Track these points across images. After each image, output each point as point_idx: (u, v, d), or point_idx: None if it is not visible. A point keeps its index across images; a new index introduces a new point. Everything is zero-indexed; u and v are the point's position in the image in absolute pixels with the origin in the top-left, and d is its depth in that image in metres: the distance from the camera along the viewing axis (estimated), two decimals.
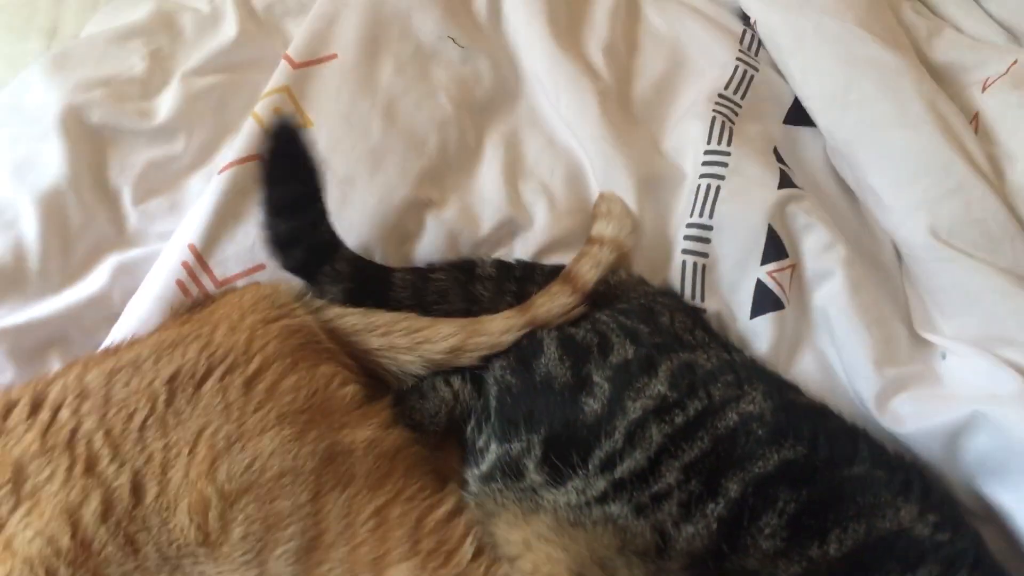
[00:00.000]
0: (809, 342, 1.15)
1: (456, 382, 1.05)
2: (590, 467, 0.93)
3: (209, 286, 1.07)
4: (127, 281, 1.07)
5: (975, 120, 1.23)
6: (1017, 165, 1.16)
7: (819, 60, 1.26)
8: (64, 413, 0.87)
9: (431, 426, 1.03)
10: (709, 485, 0.90)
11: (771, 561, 0.86)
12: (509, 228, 1.19)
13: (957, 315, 1.13)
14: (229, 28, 1.26)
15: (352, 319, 1.04)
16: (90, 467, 0.84)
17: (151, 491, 0.84)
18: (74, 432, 0.86)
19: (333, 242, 1.07)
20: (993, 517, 1.02)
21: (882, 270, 1.21)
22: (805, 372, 1.13)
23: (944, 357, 1.12)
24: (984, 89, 1.23)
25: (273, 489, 0.87)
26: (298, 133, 1.03)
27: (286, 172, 1.05)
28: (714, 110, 1.25)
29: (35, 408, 0.88)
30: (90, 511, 0.82)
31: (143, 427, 0.87)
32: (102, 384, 0.90)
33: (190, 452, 0.87)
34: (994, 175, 1.16)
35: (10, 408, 0.88)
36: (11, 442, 0.85)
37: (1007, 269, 1.11)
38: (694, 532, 0.88)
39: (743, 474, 0.91)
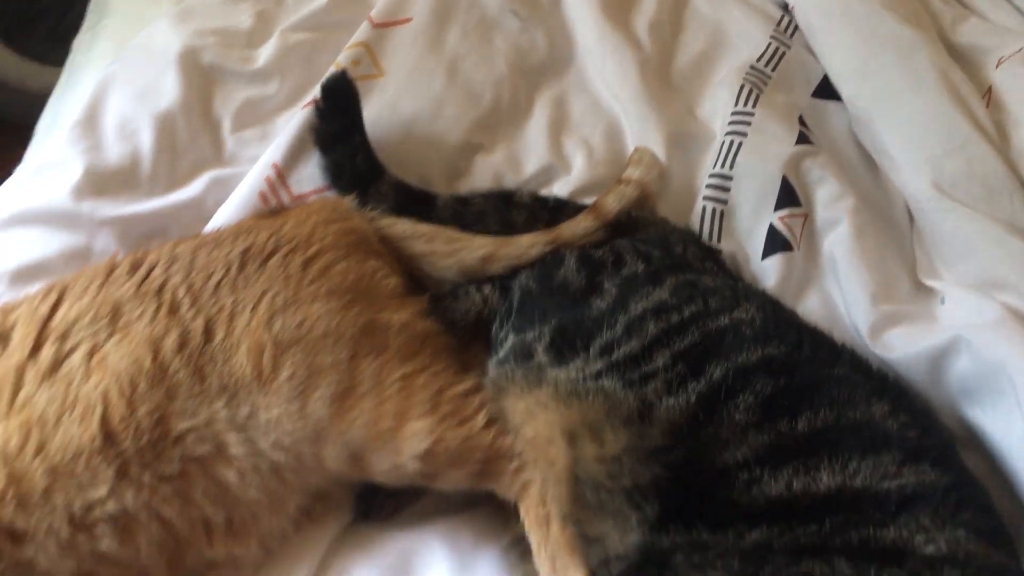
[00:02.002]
0: (817, 284, 1.25)
1: (486, 289, 1.19)
2: (591, 351, 1.05)
3: (285, 199, 1.26)
4: (219, 192, 1.27)
5: (988, 94, 1.32)
6: (1022, 130, 1.25)
7: (845, 36, 1.38)
8: (156, 271, 1.06)
9: (461, 323, 1.17)
10: (693, 369, 1.01)
11: (742, 431, 0.96)
12: (548, 174, 1.34)
13: (957, 263, 1.21)
14: None
15: (401, 227, 1.21)
16: (173, 311, 1.02)
17: (219, 334, 1.02)
18: (163, 285, 1.05)
19: (373, 168, 1.25)
20: (975, 442, 1.09)
21: (893, 227, 1.30)
22: (810, 310, 1.23)
23: (943, 302, 1.20)
24: (998, 66, 1.32)
25: (317, 345, 1.03)
26: (349, 83, 1.23)
27: (335, 113, 1.25)
28: (744, 78, 1.38)
29: (134, 267, 1.07)
30: (169, 343, 1.00)
31: (218, 286, 1.05)
32: (189, 253, 1.09)
33: (253, 308, 1.04)
34: (1000, 139, 1.25)
35: (114, 267, 1.08)
36: (112, 289, 1.04)
37: (1004, 220, 1.19)
38: (674, 403, 0.99)
39: (727, 362, 1.01)
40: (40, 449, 0.92)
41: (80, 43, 1.59)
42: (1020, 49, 1.32)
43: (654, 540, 0.93)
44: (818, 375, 1.03)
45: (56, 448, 0.92)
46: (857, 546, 0.88)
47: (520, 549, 1.05)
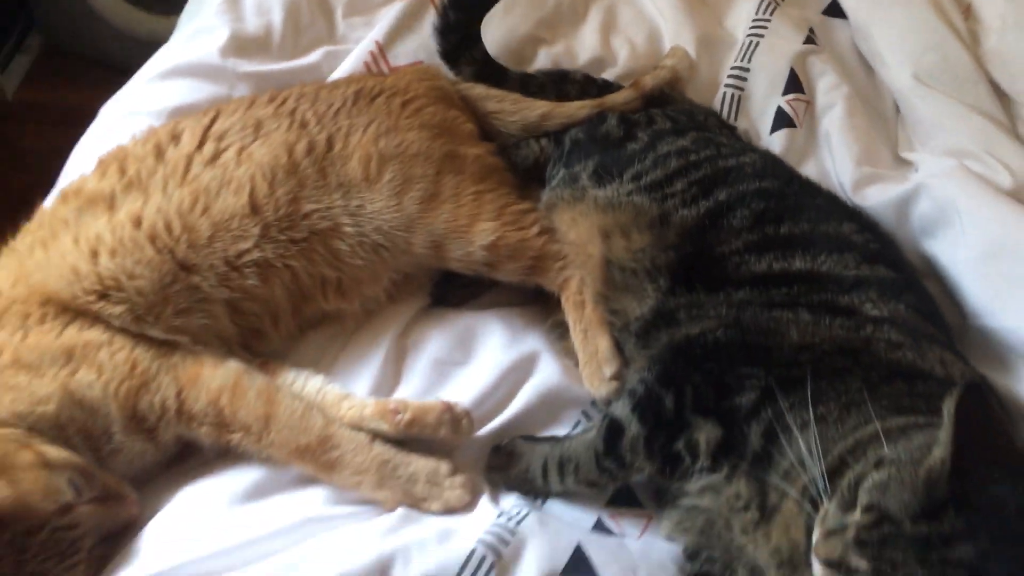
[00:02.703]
0: (814, 155, 1.52)
1: (543, 141, 1.48)
2: (624, 177, 1.34)
3: (384, 70, 1.56)
4: (332, 62, 1.58)
5: (968, 9, 1.58)
6: (992, 36, 1.51)
7: None
8: (290, 100, 1.37)
9: (522, 166, 1.47)
10: (704, 192, 1.29)
11: (736, 233, 1.24)
12: (598, 64, 1.63)
13: (929, 139, 1.48)
14: None
15: (478, 90, 1.51)
16: (302, 126, 1.33)
17: (337, 145, 1.32)
18: (294, 109, 1.36)
19: (477, 36, 1.54)
20: (932, 273, 1.35)
21: (881, 117, 1.57)
22: (806, 175, 1.50)
23: (917, 171, 1.47)
24: None
25: (411, 161, 1.33)
26: None
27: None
28: None
29: (272, 98, 1.38)
30: (300, 148, 1.30)
31: (337, 112, 1.36)
32: (313, 90, 1.40)
33: (363, 130, 1.34)
34: (972, 43, 1.51)
35: (255, 100, 1.39)
36: (255, 110, 1.35)
37: (970, 104, 1.46)
38: (687, 213, 1.27)
39: (730, 189, 1.30)
40: (205, 210, 1.23)
41: None
42: None
43: (664, 301, 1.21)
44: (802, 201, 1.31)
45: (217, 210, 1.23)
46: (816, 304, 1.15)
47: (559, 331, 1.34)
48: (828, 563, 0.94)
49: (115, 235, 1.19)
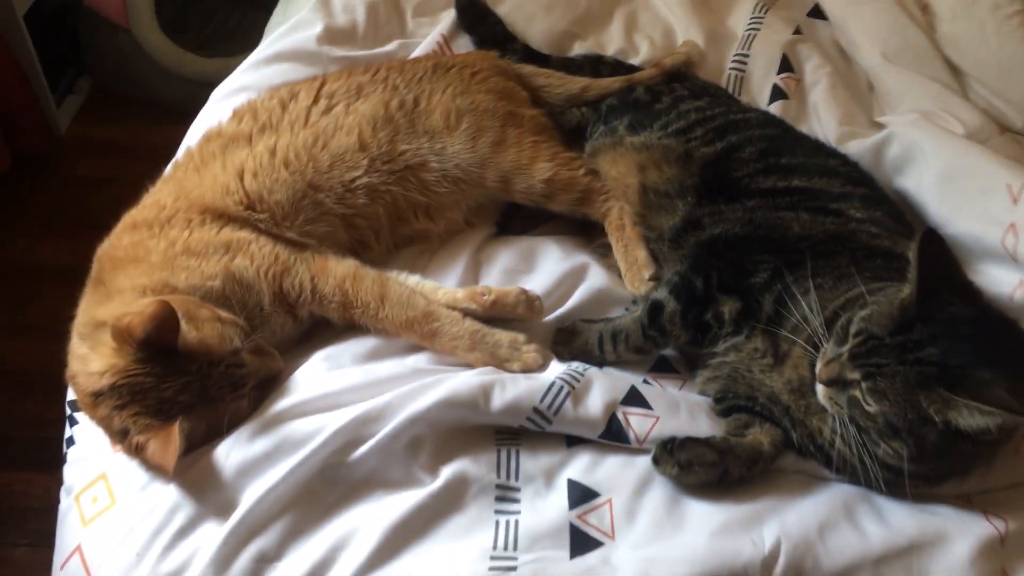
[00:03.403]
0: (805, 123, 1.85)
1: (584, 109, 1.82)
2: (654, 127, 1.67)
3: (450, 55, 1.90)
4: (406, 51, 1.91)
5: (925, 8, 1.94)
6: (944, 24, 1.87)
7: None
8: (382, 71, 1.70)
9: (566, 127, 1.80)
10: (719, 136, 1.62)
11: (745, 163, 1.56)
12: (623, 55, 1.97)
13: (897, 105, 1.82)
14: None
15: (528, 69, 1.84)
16: (394, 89, 1.65)
17: (423, 103, 1.65)
18: (386, 77, 1.68)
19: (506, 35, 1.89)
20: (905, 205, 1.67)
21: (858, 93, 1.91)
22: None
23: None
24: None
25: (482, 115, 1.65)
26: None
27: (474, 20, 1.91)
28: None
29: (367, 69, 1.71)
30: (394, 104, 1.62)
31: (420, 79, 1.68)
32: (400, 64, 1.73)
33: (443, 92, 1.67)
34: (929, 29, 1.87)
35: (353, 71, 1.72)
36: (355, 77, 1.68)
37: (928, 75, 1.81)
38: (707, 151, 1.60)
39: (739, 134, 1.62)
40: (325, 146, 1.55)
41: None
42: None
43: (692, 211, 1.52)
44: (796, 143, 1.65)
45: (334, 146, 1.55)
46: (812, 208, 1.47)
47: (603, 250, 1.65)
48: (829, 382, 1.24)
49: (256, 161, 1.50)
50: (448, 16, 1.96)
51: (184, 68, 2.93)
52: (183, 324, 1.25)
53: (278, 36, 1.92)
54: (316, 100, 1.62)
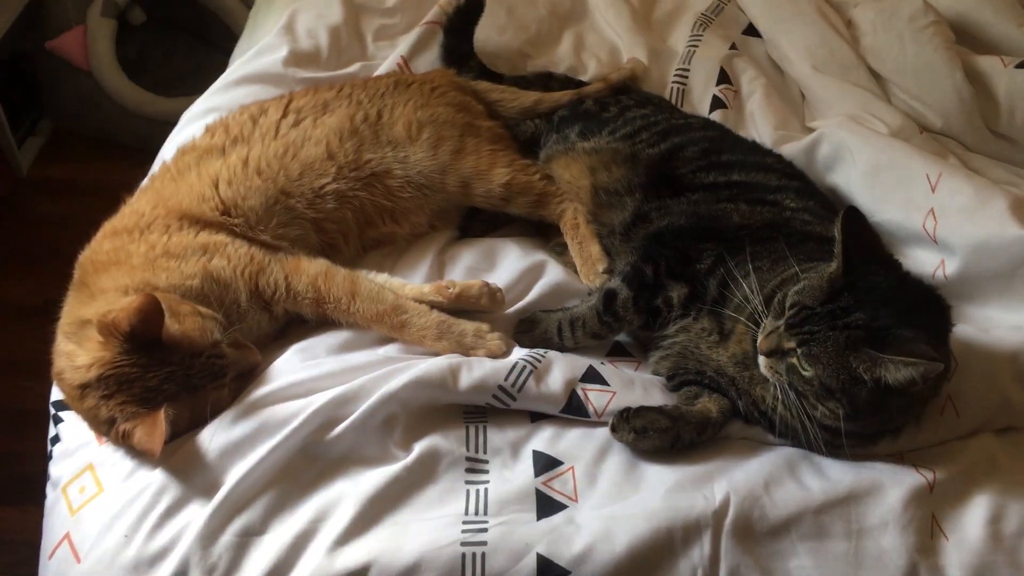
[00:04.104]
0: (743, 130, 1.98)
1: (537, 121, 1.93)
2: (603, 133, 1.79)
3: None
4: (368, 72, 2.02)
5: (849, 23, 2.10)
6: (867, 37, 2.03)
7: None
8: (346, 88, 1.81)
9: (521, 138, 1.91)
10: (663, 138, 1.75)
11: (688, 162, 1.69)
12: (572, 73, 2.10)
13: (828, 110, 1.96)
14: None
15: (483, 85, 1.96)
16: (358, 104, 1.76)
17: (385, 116, 1.75)
18: (351, 93, 1.79)
19: (470, 53, 2.01)
20: (836, 201, 1.81)
21: (791, 101, 2.06)
22: None
23: None
24: (855, 6, 2.12)
25: (442, 126, 1.76)
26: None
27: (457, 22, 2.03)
28: (697, 17, 2.18)
29: (331, 87, 1.82)
30: (359, 117, 1.73)
31: (383, 94, 1.79)
32: (363, 81, 1.84)
33: (404, 105, 1.77)
34: (854, 42, 2.03)
35: (319, 88, 1.82)
36: (320, 94, 1.78)
37: (853, 83, 1.96)
38: (652, 151, 1.72)
39: (682, 136, 1.76)
40: (295, 155, 1.64)
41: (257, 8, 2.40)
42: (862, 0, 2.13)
43: (639, 207, 1.64)
44: (735, 143, 1.79)
45: (303, 156, 1.65)
46: (750, 199, 1.60)
47: (559, 249, 1.76)
48: (769, 352, 1.35)
49: (230, 171, 1.59)
50: (406, 40, 2.07)
51: (145, 108, 2.99)
52: (166, 318, 1.33)
53: (245, 60, 2.03)
54: (285, 114, 1.72)
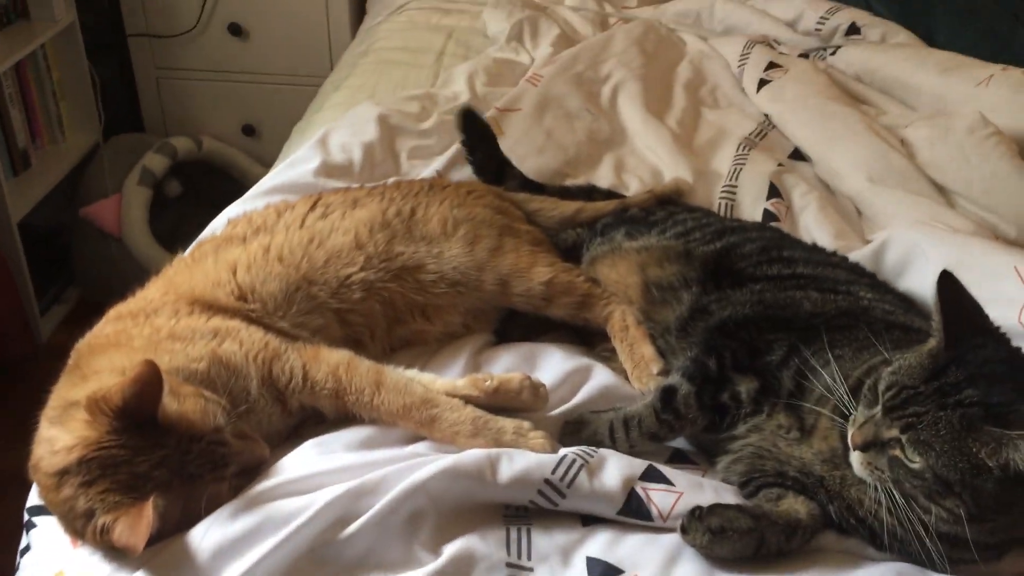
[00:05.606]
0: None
1: (579, 230, 1.82)
2: (652, 232, 1.67)
3: None
4: None
5: (903, 142, 2.02)
6: (924, 151, 1.94)
7: (806, 116, 2.12)
8: (379, 188, 1.72)
9: (562, 246, 1.78)
10: (717, 236, 1.62)
11: (747, 257, 1.55)
12: (614, 190, 2.02)
13: (889, 222, 1.83)
14: (463, 98, 2.25)
15: (522, 195, 1.86)
16: (391, 200, 1.66)
17: (420, 212, 1.64)
18: (383, 192, 1.69)
19: (503, 164, 1.94)
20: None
21: (847, 217, 1.94)
22: None
23: None
24: (906, 127, 2.05)
25: (479, 225, 1.65)
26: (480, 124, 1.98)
27: (477, 139, 1.97)
28: (741, 140, 2.10)
29: (362, 187, 1.73)
30: (391, 212, 1.62)
31: (417, 194, 1.69)
32: (396, 182, 1.75)
33: (439, 203, 1.67)
34: (909, 156, 1.94)
35: (349, 188, 1.73)
36: (351, 193, 1.69)
37: (914, 192, 1.84)
38: (706, 249, 1.59)
39: (737, 235, 1.62)
40: (320, 244, 1.52)
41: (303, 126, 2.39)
42: (914, 121, 2.05)
43: (698, 300, 1.48)
44: (795, 243, 1.65)
45: (330, 245, 1.52)
46: (822, 288, 1.44)
47: (608, 355, 1.58)
48: (865, 446, 1.15)
49: (250, 257, 1.47)
50: (441, 160, 2.01)
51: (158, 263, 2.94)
52: (164, 395, 1.16)
53: (276, 172, 1.96)
54: (313, 208, 1.62)
